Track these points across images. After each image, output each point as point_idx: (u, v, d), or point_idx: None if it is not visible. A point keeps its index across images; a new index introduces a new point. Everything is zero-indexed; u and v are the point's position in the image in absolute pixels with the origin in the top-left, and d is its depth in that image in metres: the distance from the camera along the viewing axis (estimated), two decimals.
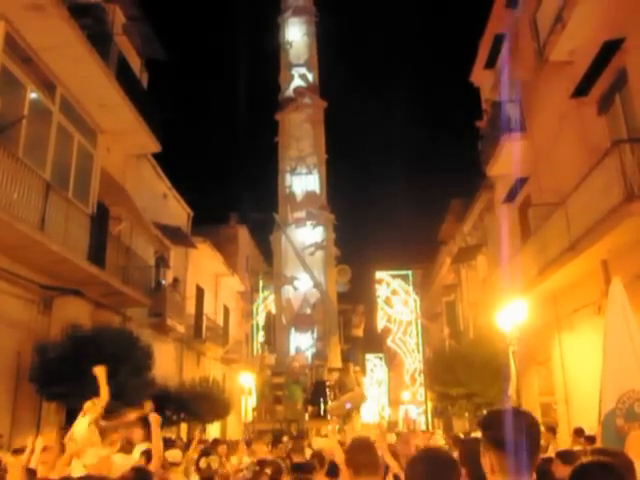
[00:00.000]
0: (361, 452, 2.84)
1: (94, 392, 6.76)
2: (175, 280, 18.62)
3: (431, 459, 2.19)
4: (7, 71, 9.47)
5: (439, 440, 12.01)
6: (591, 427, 7.34)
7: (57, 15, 9.66)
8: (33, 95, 10.36)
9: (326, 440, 10.32)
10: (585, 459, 2.34)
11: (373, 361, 48.10)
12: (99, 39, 11.56)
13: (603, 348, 5.23)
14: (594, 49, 9.30)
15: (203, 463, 6.27)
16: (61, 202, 10.64)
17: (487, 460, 2.01)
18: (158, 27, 18.15)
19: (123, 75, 12.78)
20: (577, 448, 7.53)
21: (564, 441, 8.44)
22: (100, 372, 6.22)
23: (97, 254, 11.93)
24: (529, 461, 1.94)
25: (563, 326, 11.91)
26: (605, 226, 8.28)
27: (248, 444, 11.62)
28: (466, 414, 16.26)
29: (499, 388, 12.49)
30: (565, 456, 4.17)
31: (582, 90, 10.17)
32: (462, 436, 12.00)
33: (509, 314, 10.54)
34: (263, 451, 8.85)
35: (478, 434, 2.26)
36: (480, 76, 18.26)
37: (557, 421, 11.80)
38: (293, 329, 23.85)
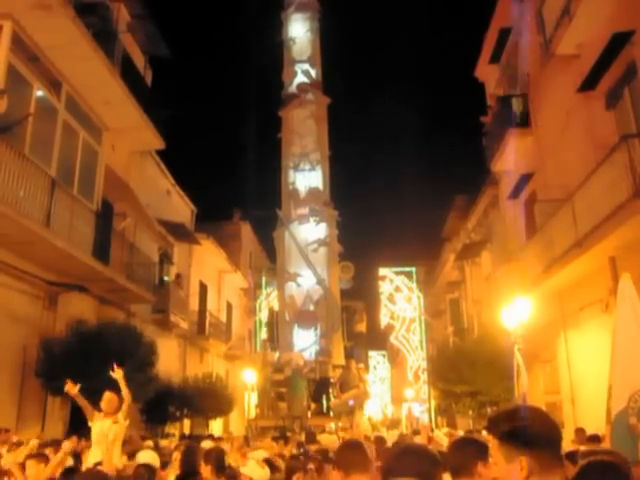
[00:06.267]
0: (350, 451, 2.83)
1: (99, 387, 6.80)
2: (178, 276, 18.64)
3: (412, 453, 2.17)
4: (14, 69, 9.53)
5: (442, 439, 11.82)
6: (598, 427, 7.28)
7: (63, 14, 9.72)
8: (39, 93, 10.42)
9: (331, 437, 10.27)
10: (593, 458, 2.31)
11: (376, 358, 48.06)
12: (104, 37, 11.62)
13: (612, 346, 5.18)
14: (602, 42, 9.19)
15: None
16: (66, 199, 10.68)
17: (516, 465, 1.85)
18: (162, 25, 18.11)
19: (127, 73, 12.83)
20: (583, 448, 7.51)
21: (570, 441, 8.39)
22: (119, 375, 6.55)
23: (101, 250, 11.97)
24: (559, 455, 1.90)
25: (569, 324, 11.84)
26: (613, 222, 8.20)
27: (247, 441, 11.64)
28: (470, 412, 16.19)
29: (503, 386, 12.42)
30: (574, 457, 4.15)
31: (589, 84, 10.07)
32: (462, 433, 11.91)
33: (514, 311, 10.45)
34: (271, 447, 8.82)
35: (485, 433, 2.20)
36: (485, 71, 18.16)
37: (563, 420, 11.73)
38: (296, 326, 23.82)
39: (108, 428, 6.36)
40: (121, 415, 6.55)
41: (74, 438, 5.77)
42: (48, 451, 5.62)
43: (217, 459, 4.80)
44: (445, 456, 2.66)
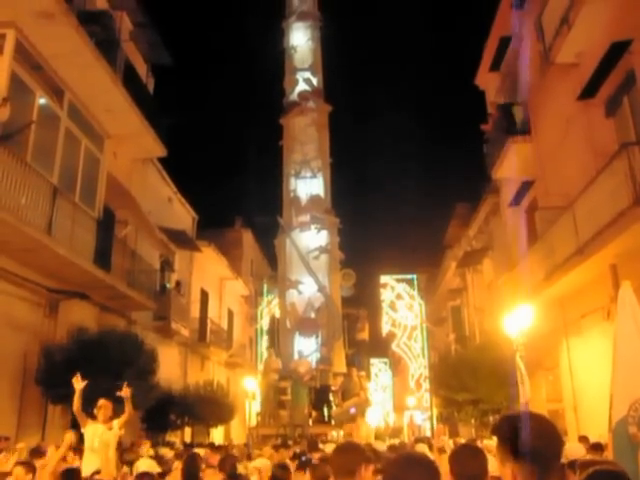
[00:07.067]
0: (339, 454, 2.85)
1: (99, 395, 6.80)
2: (180, 284, 18.63)
3: (414, 462, 2.18)
4: (17, 77, 9.58)
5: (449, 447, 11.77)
6: (600, 434, 7.26)
7: (66, 23, 9.78)
8: (42, 101, 10.45)
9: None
10: (599, 467, 2.30)
11: (378, 366, 47.91)
12: (106, 46, 11.67)
13: (613, 354, 5.15)
14: (601, 51, 9.27)
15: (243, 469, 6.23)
16: (68, 206, 10.70)
17: (508, 470, 1.91)
18: (164, 33, 18.21)
19: (130, 81, 12.88)
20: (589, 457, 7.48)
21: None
22: (127, 395, 6.59)
23: (103, 258, 11.98)
24: (552, 469, 1.89)
25: (571, 331, 11.82)
26: (613, 230, 8.21)
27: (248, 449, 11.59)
28: (472, 420, 16.13)
29: (506, 394, 12.37)
30: (574, 466, 4.13)
31: (589, 92, 10.13)
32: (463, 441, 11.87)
33: (516, 319, 10.43)
34: (271, 456, 8.79)
35: (484, 442, 2.22)
36: (485, 79, 18.25)
37: (566, 428, 11.69)
38: (297, 333, 23.78)
39: (101, 434, 6.34)
40: (116, 423, 6.54)
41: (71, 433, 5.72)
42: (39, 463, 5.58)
43: (231, 467, 4.83)
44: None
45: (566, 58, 10.91)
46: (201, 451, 8.40)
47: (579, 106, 10.83)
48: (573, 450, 7.05)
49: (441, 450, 7.86)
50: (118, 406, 7.10)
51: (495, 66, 16.58)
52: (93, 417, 6.56)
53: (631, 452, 4.19)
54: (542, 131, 13.46)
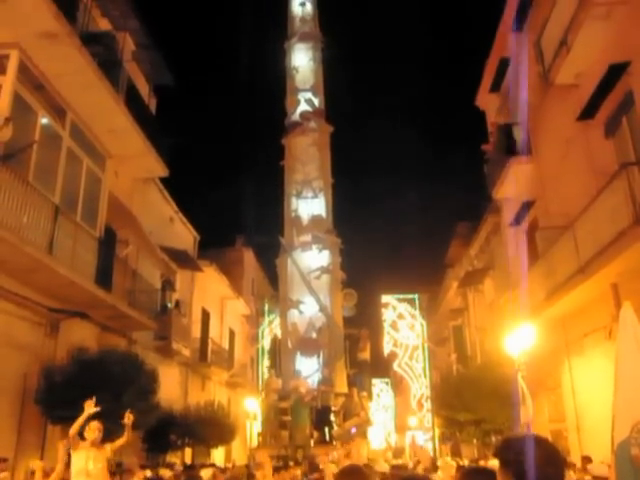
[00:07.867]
0: (342, 479, 2.83)
1: (99, 415, 6.73)
2: (181, 303, 18.59)
3: None
4: (19, 97, 9.64)
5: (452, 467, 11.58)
6: (604, 455, 7.21)
7: (69, 44, 9.89)
8: (44, 120, 10.52)
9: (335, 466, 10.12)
10: None
11: (379, 386, 47.53)
12: (109, 66, 11.78)
13: (615, 374, 5.13)
14: (599, 72, 9.36)
15: None
16: (69, 226, 10.72)
17: None
18: (166, 54, 18.43)
19: (132, 101, 12.98)
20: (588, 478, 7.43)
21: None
22: (130, 421, 6.56)
23: (104, 277, 11.97)
24: None
25: (573, 351, 11.76)
26: (614, 249, 8.22)
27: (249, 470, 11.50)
28: (474, 441, 15.99)
29: (508, 414, 12.28)
30: None
31: (588, 113, 10.21)
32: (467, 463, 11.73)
33: (517, 339, 10.38)
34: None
35: (489, 462, 2.20)
36: (485, 100, 18.40)
37: (568, 449, 11.57)
38: (298, 353, 23.65)
39: (94, 457, 6.24)
40: (109, 447, 6.45)
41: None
42: None
43: None
44: None
45: (565, 79, 10.99)
46: (208, 472, 8.31)
47: (579, 127, 10.90)
48: (599, 468, 7.03)
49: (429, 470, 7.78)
50: (117, 428, 7.02)
51: (495, 87, 16.73)
52: (83, 439, 6.45)
53: (634, 474, 4.14)
54: (542, 151, 13.53)
